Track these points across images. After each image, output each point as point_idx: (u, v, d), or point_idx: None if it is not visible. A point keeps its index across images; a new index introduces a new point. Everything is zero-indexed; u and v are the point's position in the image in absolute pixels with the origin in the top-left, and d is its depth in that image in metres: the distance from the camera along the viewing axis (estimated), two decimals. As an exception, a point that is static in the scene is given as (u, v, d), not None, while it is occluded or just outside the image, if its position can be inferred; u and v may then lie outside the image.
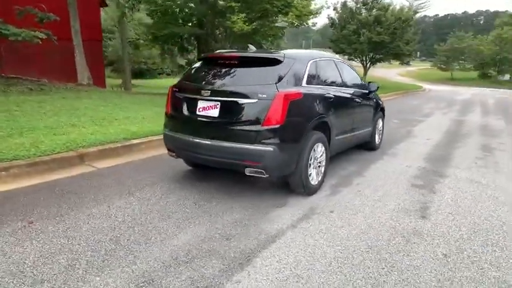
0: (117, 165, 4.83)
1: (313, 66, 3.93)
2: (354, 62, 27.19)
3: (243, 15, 9.35)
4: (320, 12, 13.38)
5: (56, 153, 4.66)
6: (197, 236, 2.90)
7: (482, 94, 26.34)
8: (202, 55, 4.45)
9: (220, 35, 10.82)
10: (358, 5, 25.29)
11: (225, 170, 3.99)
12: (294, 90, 3.43)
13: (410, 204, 3.76)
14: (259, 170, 3.35)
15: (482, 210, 3.69)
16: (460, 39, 48.87)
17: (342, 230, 3.08)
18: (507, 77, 48.95)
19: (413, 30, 25.35)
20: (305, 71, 3.75)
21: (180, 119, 3.84)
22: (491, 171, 5.26)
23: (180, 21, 13.92)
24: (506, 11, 53.15)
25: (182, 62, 27.96)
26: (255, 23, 11.20)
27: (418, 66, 70.84)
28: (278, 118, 3.24)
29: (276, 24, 11.21)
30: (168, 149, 4.09)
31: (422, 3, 27.26)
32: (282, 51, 3.78)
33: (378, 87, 5.58)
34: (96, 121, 6.51)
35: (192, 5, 10.59)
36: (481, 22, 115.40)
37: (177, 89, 3.89)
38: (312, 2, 12.05)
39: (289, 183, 3.75)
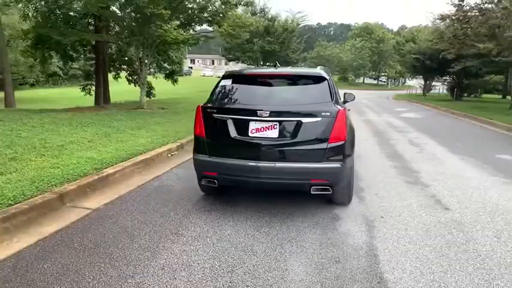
0: (111, 202, 4.06)
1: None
2: (247, 69, 28.54)
3: (176, 22, 8.82)
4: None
5: (28, 198, 3.64)
6: (309, 264, 2.77)
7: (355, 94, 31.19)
8: (231, 72, 4.05)
9: (138, 43, 9.93)
10: (248, 14, 26.71)
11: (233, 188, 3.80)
12: (343, 106, 3.58)
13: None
14: (325, 187, 3.38)
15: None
16: (325, 47, 56.74)
17: (413, 224, 3.40)
18: (361, 79, 59.29)
19: (298, 40, 28.25)
20: (336, 88, 3.94)
21: (225, 142, 3.51)
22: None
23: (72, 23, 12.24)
24: (356, 23, 64.18)
25: (55, 68, 24.30)
26: (189, 31, 10.71)
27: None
28: (342, 135, 3.35)
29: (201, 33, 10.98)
30: (204, 176, 3.68)
31: (303, 15, 30.47)
32: (314, 69, 3.89)
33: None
34: (42, 151, 5.25)
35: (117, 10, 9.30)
36: (332, 33, 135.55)
37: (215, 110, 3.56)
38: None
39: (333, 197, 3.81)
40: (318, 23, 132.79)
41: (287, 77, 3.76)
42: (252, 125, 3.38)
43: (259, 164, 3.34)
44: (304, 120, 3.31)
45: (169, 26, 8.51)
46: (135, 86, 15.03)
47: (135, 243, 3.06)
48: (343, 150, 3.37)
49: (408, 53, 25.54)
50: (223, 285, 2.48)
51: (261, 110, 3.33)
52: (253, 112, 3.38)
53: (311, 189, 3.39)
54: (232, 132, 3.44)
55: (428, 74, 27.00)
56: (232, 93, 3.71)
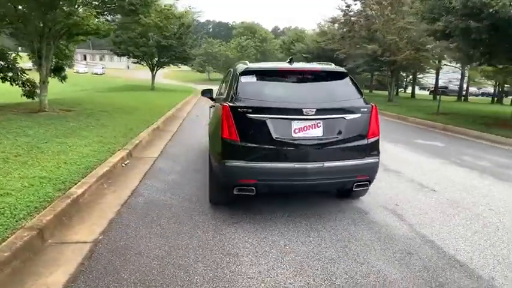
0: (108, 229, 3.25)
1: None
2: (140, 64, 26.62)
3: (97, 11, 7.30)
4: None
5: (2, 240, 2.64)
6: (390, 261, 2.76)
7: None
8: (252, 68, 3.59)
9: (33, 32, 8.05)
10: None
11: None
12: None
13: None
14: (365, 182, 3.42)
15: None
16: (211, 44, 57.00)
17: (425, 206, 3.74)
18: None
19: (195, 36, 27.60)
20: None
21: (265, 144, 3.15)
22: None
23: None
24: (234, 22, 66.28)
25: None
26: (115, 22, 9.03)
27: (173, 68, 76.72)
28: (377, 130, 3.42)
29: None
30: (239, 185, 3.23)
31: (198, 11, 29.86)
32: (331, 65, 3.87)
33: None
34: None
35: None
36: (211, 30, 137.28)
37: (250, 110, 3.16)
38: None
39: (358, 192, 3.87)
40: (197, 20, 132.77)
41: (315, 73, 3.63)
42: (295, 125, 3.16)
43: (308, 166, 3.15)
44: (347, 117, 3.27)
45: (88, 13, 7.13)
46: (12, 85, 12.36)
47: (195, 276, 2.52)
48: (378, 145, 3.47)
49: (298, 52, 27.85)
50: (338, 300, 2.28)
51: (307, 108, 3.13)
52: (296, 111, 3.16)
53: (354, 185, 3.38)
54: (273, 133, 3.14)
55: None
56: (261, 90, 3.38)
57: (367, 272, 2.62)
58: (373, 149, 3.40)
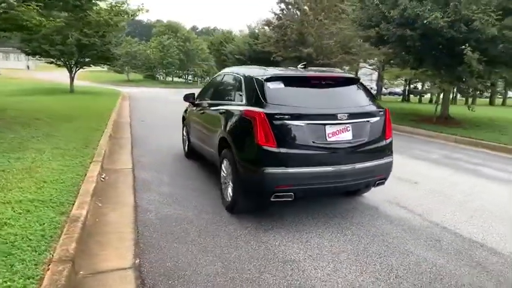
0: (140, 251, 2.99)
1: None
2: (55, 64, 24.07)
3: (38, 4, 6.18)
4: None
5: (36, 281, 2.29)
6: (441, 256, 3.07)
7: (175, 92, 31.69)
8: (277, 74, 3.57)
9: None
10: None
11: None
12: None
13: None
14: (383, 180, 3.71)
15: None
16: (130, 43, 53.75)
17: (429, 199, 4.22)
18: (170, 78, 60.15)
19: (120, 34, 25.76)
20: None
21: (303, 150, 3.22)
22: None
23: None
24: (149, 20, 63.65)
25: None
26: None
27: (89, 68, 70.89)
28: (391, 131, 3.75)
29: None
30: (276, 191, 3.23)
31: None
32: (338, 70, 4.08)
33: None
34: None
35: None
36: (127, 29, 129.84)
37: (287, 116, 3.18)
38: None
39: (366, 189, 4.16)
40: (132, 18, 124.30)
41: (335, 79, 3.80)
42: (328, 129, 3.30)
43: (342, 168, 3.32)
44: (371, 120, 3.53)
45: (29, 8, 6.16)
46: None
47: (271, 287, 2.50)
48: (392, 145, 3.80)
49: (230, 53, 28.04)
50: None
51: (341, 113, 3.30)
52: (330, 116, 3.30)
53: (375, 183, 3.65)
54: (310, 138, 3.24)
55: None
56: (291, 96, 3.43)
57: (416, 260, 2.89)
58: (390, 149, 3.72)
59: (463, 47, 8.70)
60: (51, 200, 3.51)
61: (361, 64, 25.94)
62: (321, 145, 3.27)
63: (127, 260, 2.85)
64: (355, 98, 3.69)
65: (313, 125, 3.26)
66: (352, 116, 3.38)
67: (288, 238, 3.25)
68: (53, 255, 2.56)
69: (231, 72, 4.53)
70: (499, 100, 34.10)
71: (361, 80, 3.96)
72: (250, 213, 3.74)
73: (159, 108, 16.36)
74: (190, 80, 64.28)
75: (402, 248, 3.12)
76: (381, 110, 3.67)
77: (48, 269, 2.39)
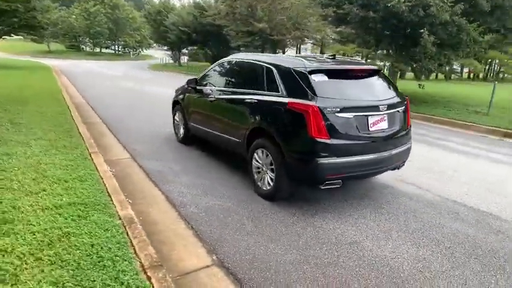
0: (210, 251, 3.06)
1: None
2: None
3: None
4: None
5: None
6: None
7: (110, 66, 29.50)
8: (320, 67, 3.70)
9: None
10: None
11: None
12: None
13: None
14: (404, 163, 4.15)
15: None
16: (47, 9, 47.73)
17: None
18: (98, 49, 55.25)
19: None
20: None
21: (351, 140, 3.48)
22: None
23: None
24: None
25: None
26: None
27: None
28: (409, 119, 4.17)
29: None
30: (327, 180, 3.47)
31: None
32: (361, 61, 4.32)
33: None
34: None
35: None
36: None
37: (337, 109, 3.38)
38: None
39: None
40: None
41: (366, 71, 4.01)
42: (371, 120, 3.59)
43: (383, 155, 3.67)
44: (400, 109, 3.89)
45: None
46: None
47: (350, 270, 2.79)
48: (411, 132, 4.24)
49: (173, 25, 26.63)
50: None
51: (382, 105, 3.60)
52: (373, 107, 3.58)
53: (399, 167, 4.09)
54: (356, 129, 3.50)
55: (192, 46, 29.50)
56: (335, 89, 3.60)
57: (452, 232, 3.41)
58: (409, 135, 4.16)
59: (422, 30, 9.57)
60: (91, 201, 3.33)
61: (306, 40, 26.68)
62: (365, 135, 3.56)
63: (203, 257, 2.90)
64: (386, 89, 4.01)
65: (359, 117, 3.52)
66: (389, 106, 3.71)
67: (337, 221, 3.55)
68: (141, 262, 2.53)
69: (250, 60, 4.52)
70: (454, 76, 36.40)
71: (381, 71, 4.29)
72: (286, 199, 3.94)
73: (105, 86, 15.28)
74: (120, 51, 59.67)
75: (434, 222, 3.62)
76: (404, 99, 4.05)
77: (149, 277, 2.37)
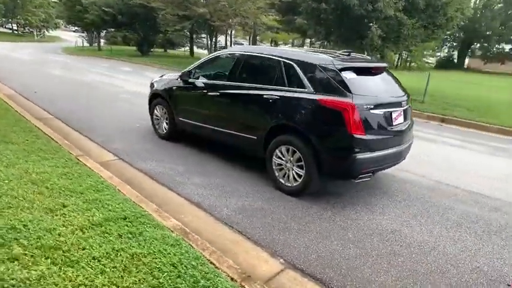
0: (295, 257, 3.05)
1: None
2: None
3: None
4: None
5: None
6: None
7: (11, 48, 26.00)
8: (350, 65, 3.82)
9: None
10: None
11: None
12: None
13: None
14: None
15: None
16: None
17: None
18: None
19: None
20: None
21: (382, 135, 3.73)
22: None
23: None
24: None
25: None
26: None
27: None
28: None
29: None
30: (361, 174, 3.65)
31: None
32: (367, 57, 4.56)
33: None
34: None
35: None
36: None
37: (371, 106, 3.56)
38: None
39: None
40: None
41: (382, 68, 4.24)
42: (393, 115, 3.86)
43: (402, 147, 3.99)
44: (409, 104, 4.25)
45: None
46: None
47: (420, 255, 3.05)
48: None
49: (93, 4, 24.10)
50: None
51: (403, 101, 3.89)
52: (397, 103, 3.85)
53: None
54: (385, 124, 3.74)
55: (117, 28, 27.18)
56: (365, 86, 3.76)
57: (462, 213, 3.89)
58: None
59: (371, 24, 10.34)
60: (129, 214, 3.03)
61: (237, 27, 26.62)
62: (390, 129, 3.84)
63: (271, 261, 2.88)
64: (398, 85, 4.31)
65: (386, 113, 3.77)
66: (405, 102, 4.03)
67: (367, 212, 3.79)
68: (229, 275, 2.43)
69: (262, 54, 4.45)
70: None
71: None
72: (310, 194, 4.05)
73: (30, 74, 13.40)
74: (19, 31, 52.03)
75: (444, 204, 4.09)
76: (409, 94, 4.43)
77: (252, 289, 2.30)
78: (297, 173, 3.96)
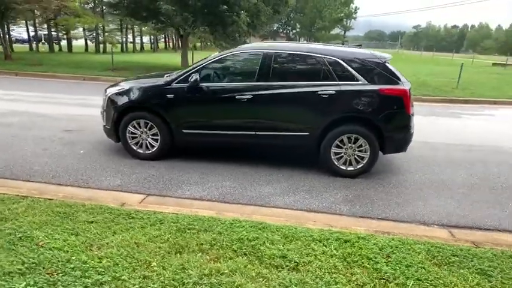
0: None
1: None
2: None
3: None
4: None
5: None
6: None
7: None
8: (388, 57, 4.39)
9: None
10: None
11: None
12: None
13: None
14: None
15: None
16: None
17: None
18: None
19: None
20: None
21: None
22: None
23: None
24: None
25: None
26: None
27: None
28: None
29: None
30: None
31: None
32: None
33: None
34: None
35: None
36: None
37: (411, 89, 4.41)
38: None
39: None
40: None
41: None
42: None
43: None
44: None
45: None
46: None
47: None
48: None
49: None
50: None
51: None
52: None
53: None
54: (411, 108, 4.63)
55: None
56: (400, 74, 4.48)
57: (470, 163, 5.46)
58: None
59: (241, 12, 11.01)
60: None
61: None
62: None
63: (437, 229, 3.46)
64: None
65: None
66: None
67: (422, 183, 4.57)
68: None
69: (300, 52, 4.63)
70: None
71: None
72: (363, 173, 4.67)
73: None
74: None
75: (455, 162, 5.45)
76: None
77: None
78: (359, 156, 4.49)
